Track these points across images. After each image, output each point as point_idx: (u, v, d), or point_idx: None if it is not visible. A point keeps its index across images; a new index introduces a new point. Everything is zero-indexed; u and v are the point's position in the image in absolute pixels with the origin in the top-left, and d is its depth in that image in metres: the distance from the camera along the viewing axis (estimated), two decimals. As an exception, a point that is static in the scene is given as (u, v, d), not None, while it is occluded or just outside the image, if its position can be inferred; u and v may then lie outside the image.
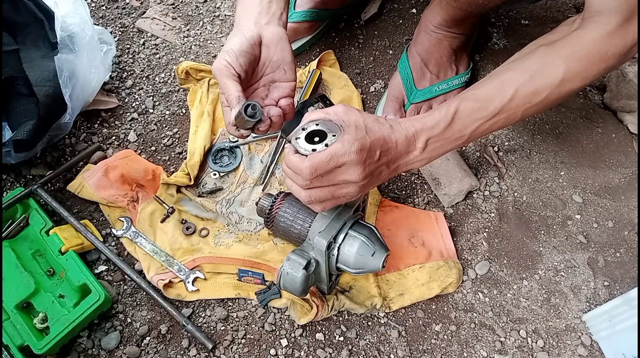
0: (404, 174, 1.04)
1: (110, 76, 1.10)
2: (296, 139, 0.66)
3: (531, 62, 0.71)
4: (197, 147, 1.00)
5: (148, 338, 0.86)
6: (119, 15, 1.22)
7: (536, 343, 0.89)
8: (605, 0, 0.68)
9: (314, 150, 0.64)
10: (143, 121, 1.08)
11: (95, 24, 1.08)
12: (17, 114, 0.96)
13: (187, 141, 1.04)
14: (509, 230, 0.99)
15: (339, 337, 0.87)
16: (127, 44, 1.18)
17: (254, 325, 0.87)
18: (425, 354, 0.87)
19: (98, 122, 1.06)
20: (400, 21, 1.24)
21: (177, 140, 1.06)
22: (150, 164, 1.01)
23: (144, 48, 1.17)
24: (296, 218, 0.84)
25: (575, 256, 0.97)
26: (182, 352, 0.85)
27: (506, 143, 1.08)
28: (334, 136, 0.64)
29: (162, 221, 0.94)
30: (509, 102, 0.70)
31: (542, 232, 0.99)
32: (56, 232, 0.88)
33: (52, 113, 0.95)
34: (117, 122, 1.07)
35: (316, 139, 0.66)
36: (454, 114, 0.70)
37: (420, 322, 0.90)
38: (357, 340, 0.87)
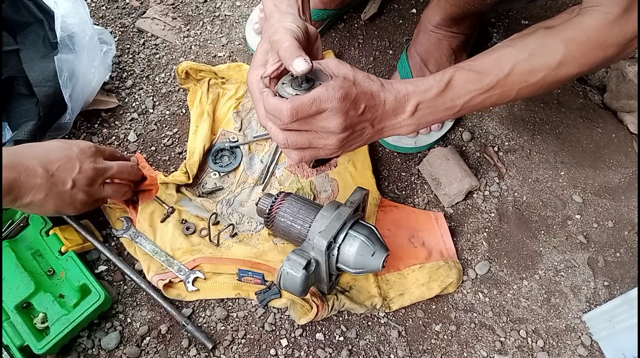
0: (403, 174, 1.04)
1: (110, 76, 1.10)
2: (282, 83, 0.65)
3: (530, 42, 0.71)
4: (197, 147, 1.00)
5: (148, 338, 0.86)
6: (119, 15, 1.22)
7: (536, 343, 0.89)
8: None
9: (297, 95, 0.63)
10: (143, 121, 1.08)
11: (95, 24, 1.08)
12: (18, 114, 0.96)
13: (187, 141, 1.04)
14: (509, 230, 0.99)
15: (339, 337, 0.87)
16: (127, 44, 1.18)
17: (254, 325, 0.87)
18: (425, 354, 0.87)
19: (98, 122, 1.06)
20: (400, 21, 1.24)
21: (177, 140, 1.06)
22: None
23: (144, 48, 1.17)
24: (296, 218, 0.84)
25: (575, 256, 0.97)
26: (182, 352, 0.85)
27: (506, 143, 1.08)
28: (320, 84, 0.63)
29: (162, 221, 0.94)
30: (505, 78, 0.69)
31: (542, 232, 0.99)
32: (56, 232, 0.88)
33: (52, 113, 0.95)
34: (117, 122, 1.07)
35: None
36: (448, 82, 0.69)
37: (420, 322, 0.90)
38: (357, 340, 0.87)
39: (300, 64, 0.61)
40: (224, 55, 1.17)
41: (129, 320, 0.87)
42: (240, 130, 1.05)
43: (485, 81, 0.69)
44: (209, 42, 1.19)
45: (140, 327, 0.87)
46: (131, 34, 1.20)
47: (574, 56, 0.69)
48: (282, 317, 0.88)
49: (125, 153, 1.02)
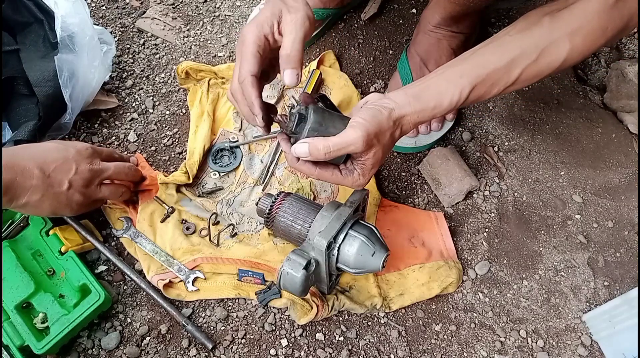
0: (403, 174, 1.04)
1: (110, 76, 1.10)
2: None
3: (540, 39, 0.71)
4: (197, 146, 1.00)
5: (148, 338, 0.86)
6: (119, 15, 1.22)
7: (536, 343, 0.89)
8: None
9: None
10: (143, 121, 1.08)
11: (95, 24, 1.08)
12: (18, 115, 0.96)
13: (187, 141, 1.04)
14: (509, 230, 0.99)
15: (339, 337, 0.87)
16: (127, 44, 1.18)
17: (254, 325, 0.87)
18: (425, 354, 0.87)
19: (98, 122, 1.06)
20: (400, 21, 1.24)
21: (177, 140, 1.06)
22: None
23: (144, 48, 1.17)
24: (296, 218, 0.84)
25: (575, 256, 0.97)
26: (182, 352, 0.85)
27: (506, 143, 1.08)
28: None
29: (162, 221, 0.94)
30: (511, 85, 0.72)
31: (542, 232, 0.99)
32: (56, 232, 0.88)
33: (52, 113, 0.95)
34: (117, 123, 1.07)
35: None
36: (465, 99, 0.71)
37: (420, 322, 0.90)
38: (357, 340, 0.87)
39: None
40: (224, 55, 1.17)
41: (129, 320, 0.87)
42: (240, 130, 1.05)
43: (493, 91, 0.72)
44: (209, 42, 1.19)
45: (140, 327, 0.87)
46: (131, 34, 1.20)
47: (578, 50, 0.70)
48: (282, 317, 0.88)
49: (125, 153, 1.03)
